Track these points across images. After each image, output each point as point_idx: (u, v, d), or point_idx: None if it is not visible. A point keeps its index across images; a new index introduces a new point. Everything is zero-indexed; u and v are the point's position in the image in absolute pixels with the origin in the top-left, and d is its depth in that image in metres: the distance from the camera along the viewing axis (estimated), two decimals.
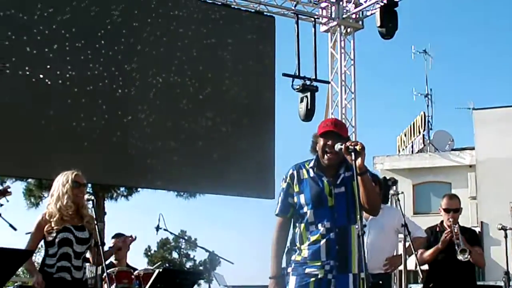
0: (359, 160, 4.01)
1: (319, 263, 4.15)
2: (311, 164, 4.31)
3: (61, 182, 5.46)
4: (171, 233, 8.45)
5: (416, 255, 6.19)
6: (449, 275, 6.16)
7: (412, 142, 25.08)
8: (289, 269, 4.26)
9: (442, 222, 6.38)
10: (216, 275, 10.52)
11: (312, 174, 4.28)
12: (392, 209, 6.70)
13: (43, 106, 9.78)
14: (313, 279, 4.15)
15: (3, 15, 9.57)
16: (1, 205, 5.22)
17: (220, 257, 8.21)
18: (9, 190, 5.33)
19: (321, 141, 4.24)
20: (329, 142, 4.19)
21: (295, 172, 4.32)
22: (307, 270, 4.17)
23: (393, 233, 6.51)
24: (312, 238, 4.18)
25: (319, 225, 4.17)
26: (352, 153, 4.01)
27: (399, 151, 25.70)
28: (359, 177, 4.03)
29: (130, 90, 10.42)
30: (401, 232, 6.36)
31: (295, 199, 4.27)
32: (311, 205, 4.20)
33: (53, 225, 5.33)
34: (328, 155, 4.20)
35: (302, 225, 4.23)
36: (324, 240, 4.15)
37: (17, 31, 9.63)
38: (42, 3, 9.89)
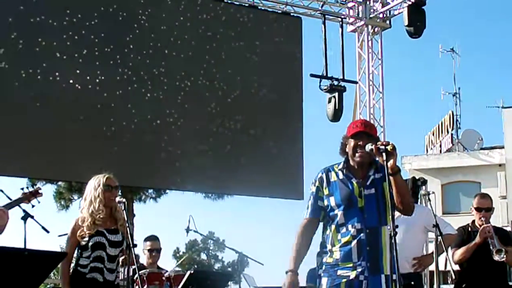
0: (391, 161, 4.02)
1: (350, 265, 4.15)
2: (340, 166, 4.31)
3: (93, 186, 5.47)
4: (201, 234, 8.49)
5: (447, 253, 6.13)
6: (482, 275, 6.09)
7: (441, 141, 24.93)
8: (320, 271, 4.27)
9: (473, 221, 6.32)
10: (245, 276, 10.51)
11: (341, 176, 4.29)
12: (420, 207, 6.67)
13: (73, 110, 9.87)
14: (344, 280, 4.15)
15: (33, 22, 9.69)
16: (33, 206, 5.26)
17: (249, 258, 8.22)
18: (40, 191, 5.36)
19: (351, 142, 4.25)
20: (360, 143, 4.20)
21: (324, 175, 4.33)
22: (339, 272, 4.17)
23: (421, 232, 6.47)
24: (343, 240, 4.18)
25: (349, 226, 4.17)
26: (383, 153, 4.02)
27: (427, 150, 25.54)
28: (391, 177, 4.04)
29: (159, 94, 10.49)
30: (431, 231, 6.32)
31: (325, 202, 4.27)
32: (342, 207, 4.21)
33: (85, 230, 5.34)
34: (359, 153, 4.21)
35: (333, 226, 4.23)
36: (355, 241, 4.15)
37: (47, 37, 9.74)
38: (71, 10, 9.99)
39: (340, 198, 4.23)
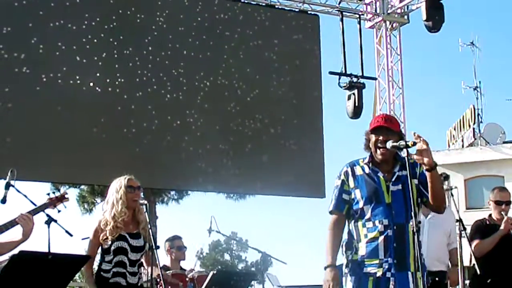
0: (426, 159, 3.96)
1: (376, 261, 4.11)
2: (366, 160, 4.28)
3: (115, 188, 5.44)
4: (223, 235, 8.49)
5: (471, 245, 6.04)
6: (505, 268, 6.04)
7: (463, 136, 24.72)
8: (346, 270, 4.23)
9: (490, 215, 6.27)
10: (269, 276, 10.51)
11: (367, 170, 4.25)
12: (449, 208, 6.65)
13: (94, 113, 9.92)
14: (371, 278, 4.10)
15: (53, 26, 9.75)
16: (59, 211, 5.27)
17: (272, 257, 8.21)
18: (66, 196, 5.37)
19: (373, 137, 4.22)
20: (380, 138, 4.16)
21: (349, 169, 4.30)
22: (365, 270, 4.12)
23: (446, 234, 6.46)
24: (370, 235, 4.15)
25: (376, 222, 4.13)
26: (405, 149, 3.97)
27: (449, 145, 25.36)
28: (428, 173, 4.01)
29: (178, 95, 10.51)
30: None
31: (352, 195, 4.23)
32: (368, 201, 4.17)
33: (107, 234, 5.31)
34: (381, 150, 4.17)
35: (359, 222, 4.20)
36: (382, 237, 4.11)
37: (66, 41, 9.80)
38: (90, 13, 10.04)
39: (367, 191, 4.18)
